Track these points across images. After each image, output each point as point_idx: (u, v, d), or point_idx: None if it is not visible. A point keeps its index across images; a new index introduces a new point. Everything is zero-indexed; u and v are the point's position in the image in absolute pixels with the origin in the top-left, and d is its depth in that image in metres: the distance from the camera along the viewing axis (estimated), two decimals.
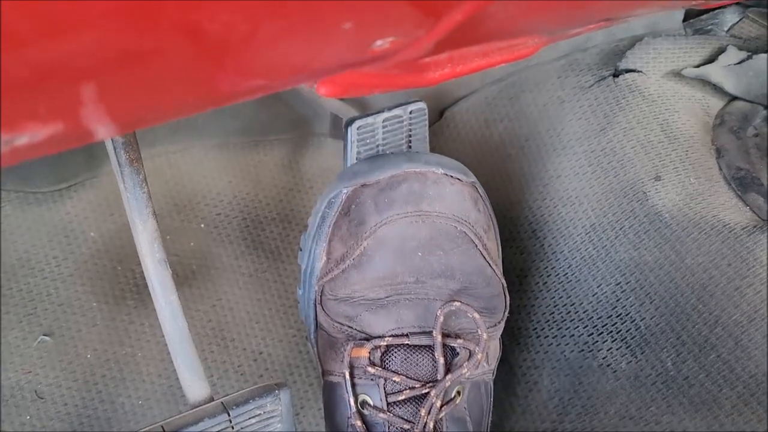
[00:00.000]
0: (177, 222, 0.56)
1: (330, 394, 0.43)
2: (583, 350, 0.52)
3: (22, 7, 0.15)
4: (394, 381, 0.39)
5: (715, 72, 0.57)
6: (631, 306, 0.49)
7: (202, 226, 0.57)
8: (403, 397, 0.39)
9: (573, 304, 0.53)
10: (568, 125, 0.56)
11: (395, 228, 0.40)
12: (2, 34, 0.15)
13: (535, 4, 0.25)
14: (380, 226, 0.40)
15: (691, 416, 0.45)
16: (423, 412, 0.38)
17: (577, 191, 0.53)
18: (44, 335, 0.50)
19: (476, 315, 0.39)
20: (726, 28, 0.61)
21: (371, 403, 0.40)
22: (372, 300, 0.41)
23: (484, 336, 0.39)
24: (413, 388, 0.39)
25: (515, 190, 0.56)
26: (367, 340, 0.40)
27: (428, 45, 0.23)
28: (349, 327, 0.41)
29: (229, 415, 0.36)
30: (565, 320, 0.53)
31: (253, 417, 0.37)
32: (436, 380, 0.39)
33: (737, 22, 0.61)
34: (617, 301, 0.50)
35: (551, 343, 0.53)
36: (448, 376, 0.38)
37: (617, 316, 0.50)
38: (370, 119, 0.51)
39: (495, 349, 0.45)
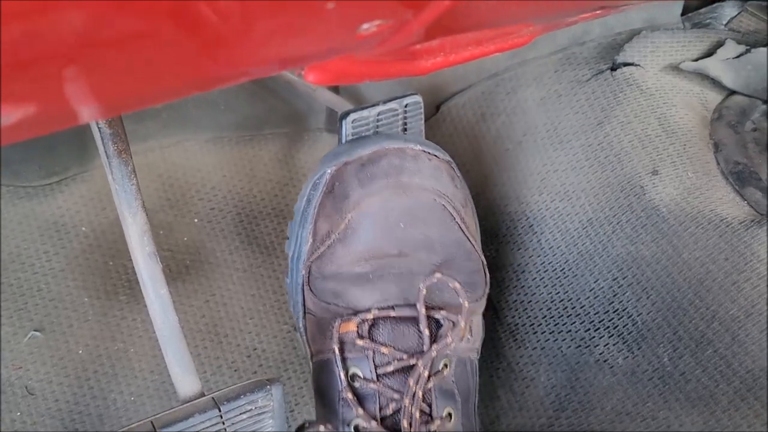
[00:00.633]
0: (170, 217, 0.56)
1: (320, 372, 0.43)
2: (580, 346, 0.51)
3: None
4: (383, 353, 0.40)
5: (713, 66, 0.56)
6: (628, 301, 0.49)
7: (196, 220, 0.56)
8: (391, 369, 0.40)
9: (570, 299, 0.52)
10: (565, 119, 0.56)
11: (377, 200, 0.42)
12: None
13: None
14: (363, 199, 0.42)
15: (688, 412, 0.45)
16: (411, 381, 0.39)
17: (574, 185, 0.53)
18: (35, 331, 0.50)
19: (457, 285, 0.41)
20: (725, 22, 0.60)
21: (361, 376, 0.41)
22: (358, 275, 0.42)
23: (466, 304, 0.40)
24: (401, 359, 0.40)
25: (512, 184, 0.56)
26: (354, 314, 0.41)
27: (418, 30, 0.22)
28: (336, 305, 0.42)
29: (220, 410, 0.36)
30: (562, 316, 0.52)
31: (245, 413, 0.37)
32: (423, 351, 0.40)
33: (736, 16, 0.60)
34: (614, 296, 0.50)
35: (548, 339, 0.53)
36: (434, 346, 0.40)
37: (614, 312, 0.50)
38: (364, 112, 0.51)
39: (478, 326, 0.45)
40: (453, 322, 0.41)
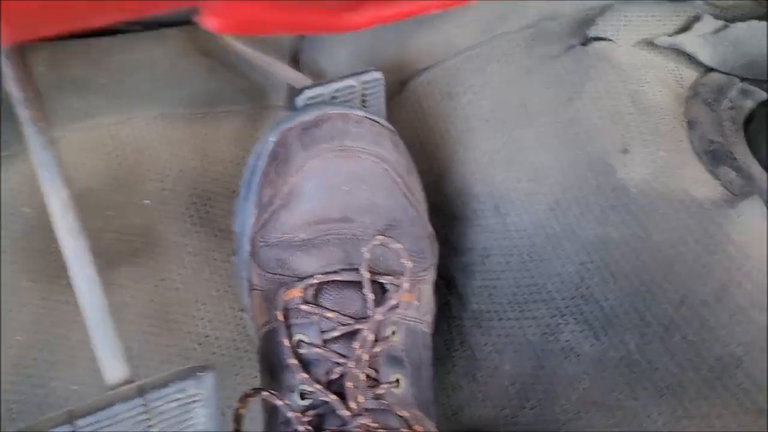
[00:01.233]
0: (120, 197, 0.53)
1: (265, 342, 0.42)
2: (545, 333, 0.49)
3: None
4: (328, 317, 0.39)
5: (689, 41, 0.53)
6: (595, 286, 0.47)
7: (147, 202, 0.54)
8: (337, 334, 0.39)
9: (536, 284, 0.50)
10: (534, 96, 0.53)
11: (320, 162, 0.41)
12: None
13: None
14: (306, 162, 0.41)
15: (655, 402, 0.42)
16: (357, 345, 0.38)
17: (542, 165, 0.50)
18: None
19: (399, 245, 0.41)
20: None
21: (307, 341, 0.40)
22: (302, 241, 0.41)
23: (409, 264, 0.40)
24: (346, 324, 0.39)
25: (478, 164, 0.53)
26: (299, 281, 0.41)
27: None
28: (281, 274, 0.41)
29: (144, 399, 0.33)
30: (528, 302, 0.50)
31: (173, 401, 0.34)
32: (368, 316, 0.40)
33: None
34: (581, 281, 0.47)
35: (513, 326, 0.50)
36: (378, 309, 0.39)
37: (581, 297, 0.47)
38: (320, 89, 0.49)
39: (428, 297, 0.44)
40: (398, 286, 0.40)
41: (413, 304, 0.42)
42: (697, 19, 0.55)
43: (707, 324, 0.42)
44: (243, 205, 0.44)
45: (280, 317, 0.40)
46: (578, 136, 0.49)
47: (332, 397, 0.38)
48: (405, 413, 0.38)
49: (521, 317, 0.50)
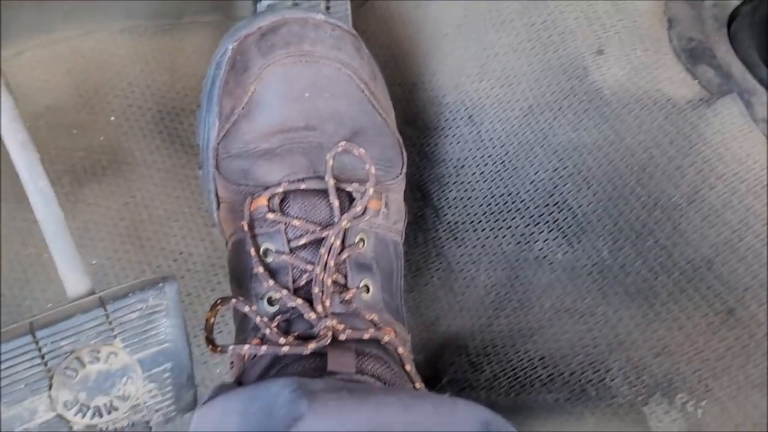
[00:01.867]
0: (84, 115, 0.52)
1: (233, 253, 0.42)
2: (520, 242, 0.48)
3: None
4: (295, 225, 0.39)
5: None
6: (568, 193, 0.46)
7: (112, 118, 0.52)
8: (304, 241, 0.39)
9: (510, 193, 0.49)
10: None
11: (280, 69, 0.40)
12: None
13: None
14: (264, 69, 0.40)
15: (627, 306, 0.42)
16: (323, 251, 0.38)
17: (515, 70, 0.49)
18: None
19: (362, 150, 0.40)
20: None
21: (273, 250, 0.40)
22: (265, 150, 0.41)
23: (372, 170, 0.40)
24: (313, 232, 0.39)
25: (451, 72, 0.51)
26: (265, 190, 0.40)
27: None
28: (246, 184, 0.41)
29: (105, 309, 0.33)
30: (502, 211, 0.49)
31: (134, 311, 0.34)
32: (334, 223, 0.39)
33: None
34: (554, 188, 0.46)
35: (488, 236, 0.50)
36: (344, 216, 0.39)
37: (554, 204, 0.46)
38: None
39: (399, 205, 0.44)
40: (362, 193, 0.40)
41: (382, 212, 0.41)
42: None
43: (679, 227, 0.41)
44: (205, 117, 0.43)
45: (246, 227, 0.40)
46: (552, 39, 0.47)
47: (299, 302, 0.38)
48: (373, 316, 0.39)
49: (496, 227, 0.49)
